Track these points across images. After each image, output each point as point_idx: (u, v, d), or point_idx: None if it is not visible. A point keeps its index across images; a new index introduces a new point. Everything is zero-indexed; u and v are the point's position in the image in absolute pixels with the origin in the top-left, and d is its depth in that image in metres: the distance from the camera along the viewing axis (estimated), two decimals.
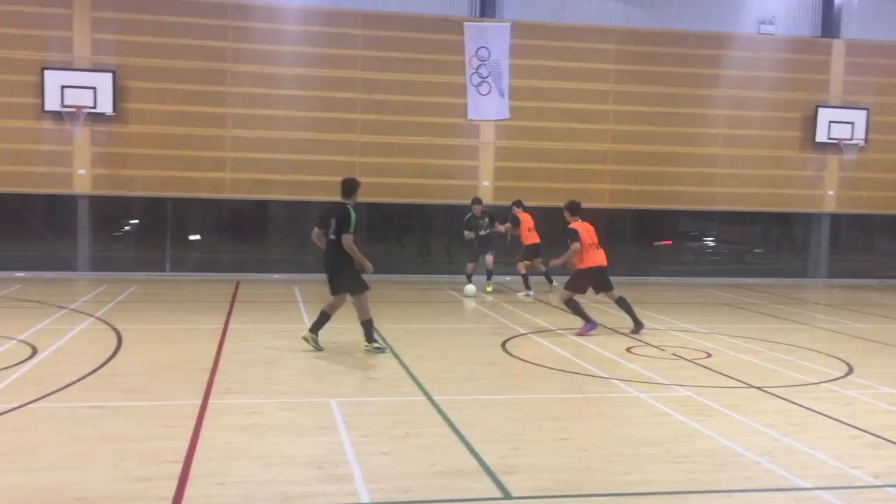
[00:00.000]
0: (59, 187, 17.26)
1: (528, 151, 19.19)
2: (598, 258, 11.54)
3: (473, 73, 18.70)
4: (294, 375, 8.53)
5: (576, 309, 11.55)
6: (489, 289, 16.25)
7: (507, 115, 18.94)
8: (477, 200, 16.38)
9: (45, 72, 16.65)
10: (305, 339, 9.94)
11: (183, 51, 17.54)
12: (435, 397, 7.68)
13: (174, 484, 5.26)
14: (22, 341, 9.73)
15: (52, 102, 16.67)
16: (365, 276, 9.86)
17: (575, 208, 11.84)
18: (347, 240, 9.49)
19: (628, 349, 10.42)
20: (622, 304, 11.73)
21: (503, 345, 10.55)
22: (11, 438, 6.10)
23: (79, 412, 6.85)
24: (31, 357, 8.90)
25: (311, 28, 18.19)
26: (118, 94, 17.05)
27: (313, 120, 18.18)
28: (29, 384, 7.69)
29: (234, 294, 14.84)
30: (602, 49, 19.42)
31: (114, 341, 10.01)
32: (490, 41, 18.70)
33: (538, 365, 9.34)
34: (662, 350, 10.38)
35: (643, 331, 11.65)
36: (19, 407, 6.90)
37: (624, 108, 19.57)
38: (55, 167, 17.16)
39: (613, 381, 8.63)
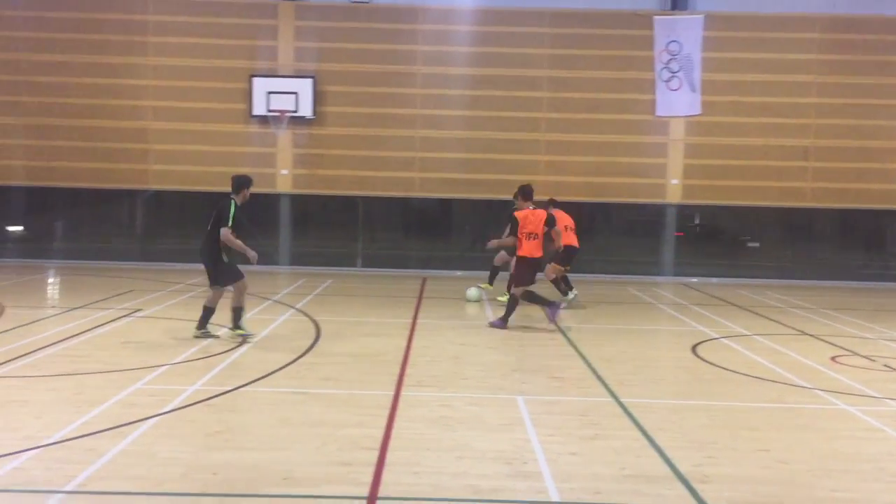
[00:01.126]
0: (263, 187, 18.47)
1: (721, 148, 18.39)
2: (537, 249, 11.14)
3: (663, 69, 18.15)
4: (481, 371, 8.66)
5: (531, 299, 11.29)
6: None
7: (699, 111, 18.23)
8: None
9: (253, 79, 17.89)
10: (197, 337, 9.86)
11: (376, 55, 18.26)
12: (623, 400, 7.54)
13: (371, 470, 5.49)
14: (233, 329, 10.50)
15: (258, 107, 17.89)
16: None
17: (528, 194, 11.49)
18: (225, 233, 9.58)
19: (833, 358, 9.74)
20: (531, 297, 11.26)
21: (693, 348, 10.18)
22: (226, 419, 6.61)
23: (283, 397, 7.31)
24: (241, 344, 9.59)
25: (498, 28, 18.36)
26: (317, 98, 18.03)
27: (498, 119, 18.35)
28: (240, 369, 8.30)
29: (421, 290, 15.27)
30: (804, 38, 18.25)
31: (312, 332, 10.59)
32: (681, 34, 18.07)
33: (732, 371, 8.93)
34: (873, 361, 9.62)
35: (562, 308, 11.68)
36: (232, 390, 7.46)
37: (828, 100, 18.29)
38: (260, 168, 18.37)
39: (817, 391, 8.10)
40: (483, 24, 18.41)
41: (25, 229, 19.05)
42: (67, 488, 5.00)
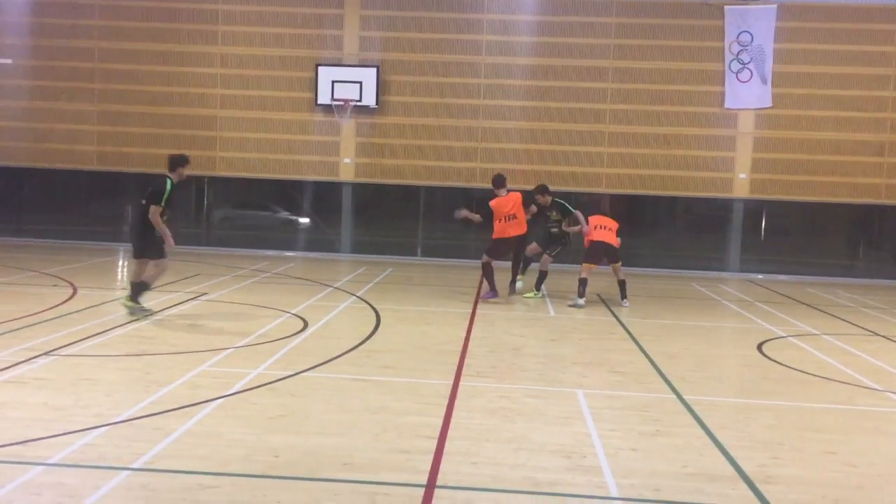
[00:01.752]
0: (326, 175, 18.68)
1: (792, 142, 17.90)
2: (513, 228, 12.65)
3: (733, 60, 17.73)
4: (540, 363, 8.61)
5: (488, 274, 12.65)
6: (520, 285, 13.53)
7: (770, 104, 17.77)
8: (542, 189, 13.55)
9: (319, 68, 18.08)
10: (129, 307, 10.06)
11: (440, 45, 18.26)
12: (686, 396, 7.41)
13: (430, 458, 5.51)
14: (295, 315, 10.66)
15: (323, 96, 18.07)
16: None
17: (499, 182, 13.02)
18: (154, 211, 9.85)
19: None
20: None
21: (759, 346, 9.95)
22: (287, 403, 6.71)
23: (344, 384, 7.39)
24: (302, 330, 9.73)
25: (563, 18, 18.15)
26: (381, 87, 18.12)
27: (562, 110, 18.17)
28: (301, 354, 8.41)
29: (480, 281, 15.25)
30: (880, 30, 17.63)
31: (373, 320, 10.67)
32: (753, 25, 17.62)
33: (800, 371, 8.70)
34: None
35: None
36: (294, 375, 7.57)
37: None
38: (323, 156, 18.59)
39: (889, 394, 7.84)
40: (548, 14, 18.24)
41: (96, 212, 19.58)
42: (135, 465, 5.13)
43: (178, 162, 10.25)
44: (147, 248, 10.25)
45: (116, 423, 5.97)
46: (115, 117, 18.68)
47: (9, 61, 18.79)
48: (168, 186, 10.04)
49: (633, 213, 19.09)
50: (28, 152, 18.76)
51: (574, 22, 18.13)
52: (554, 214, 13.39)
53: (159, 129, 18.60)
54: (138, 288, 10.20)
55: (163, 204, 9.99)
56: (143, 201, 10.11)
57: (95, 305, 10.75)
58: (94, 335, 8.87)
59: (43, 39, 18.65)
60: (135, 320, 9.82)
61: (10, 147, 18.83)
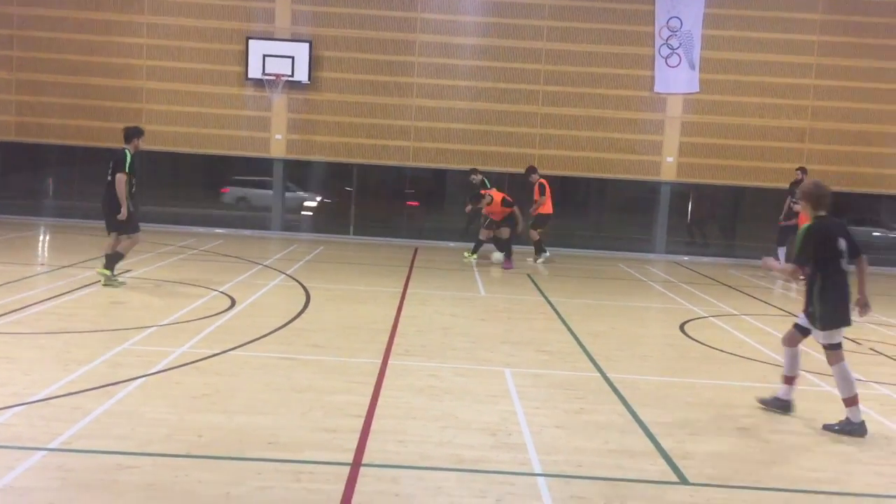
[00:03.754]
0: (257, 151, 18.37)
1: (719, 127, 18.33)
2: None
3: (663, 45, 18.02)
4: (469, 343, 8.68)
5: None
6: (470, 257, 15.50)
7: (697, 89, 18.14)
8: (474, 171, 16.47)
9: (250, 41, 17.69)
10: (104, 276, 10.39)
11: (374, 21, 18.07)
12: (610, 375, 7.58)
13: (356, 437, 5.52)
14: (223, 293, 10.50)
15: (254, 70, 17.71)
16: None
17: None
18: (120, 178, 10.17)
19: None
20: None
21: (682, 326, 10.23)
22: (213, 381, 6.62)
23: (271, 362, 7.32)
24: (230, 308, 9.59)
25: None
26: (313, 63, 17.86)
27: (495, 90, 18.23)
28: (229, 333, 8.30)
29: (413, 260, 15.25)
30: (806, 19, 18.14)
31: (303, 298, 10.58)
32: (683, 11, 17.92)
33: (719, 350, 8.98)
34: (859, 343, 9.68)
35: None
36: (220, 353, 7.47)
37: (827, 82, 18.23)
38: (254, 131, 18.25)
39: (802, 373, 8.15)
40: None
41: (17, 186, 18.89)
42: (52, 445, 5.00)
43: (133, 133, 10.53)
44: (119, 223, 10.39)
45: (33, 402, 5.80)
46: (34, 87, 17.99)
47: None
48: (128, 157, 10.32)
49: (565, 194, 19.32)
50: None
51: (509, 3, 18.15)
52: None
53: (82, 99, 17.98)
54: (112, 259, 10.46)
55: (127, 171, 10.26)
56: (109, 176, 10.35)
57: (14, 281, 10.39)
58: (10, 312, 8.58)
59: None
60: (53, 297, 9.53)
61: None
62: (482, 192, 15.20)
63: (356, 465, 5.05)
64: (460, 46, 18.21)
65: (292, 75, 17.71)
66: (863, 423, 6.25)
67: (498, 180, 17.48)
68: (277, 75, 17.67)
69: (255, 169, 18.81)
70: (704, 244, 19.44)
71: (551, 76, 18.26)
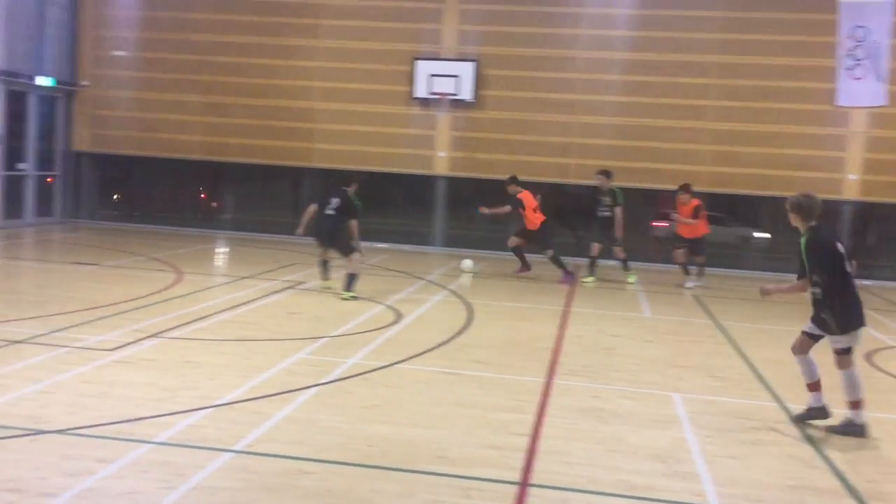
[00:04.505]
0: (421, 168, 18.81)
1: None
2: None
3: (846, 56, 16.95)
4: (635, 364, 8.45)
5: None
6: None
7: (885, 102, 16.92)
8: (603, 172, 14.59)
9: (417, 62, 18.20)
10: (348, 298, 10.94)
11: (538, 39, 18.11)
12: (790, 406, 7.15)
13: (522, 456, 5.48)
14: (389, 307, 10.78)
15: (420, 90, 18.20)
16: None
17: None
18: (354, 225, 11.39)
19: None
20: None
21: (868, 356, 9.50)
22: (382, 393, 6.80)
23: (436, 377, 7.42)
24: (396, 322, 9.82)
25: (665, 11, 17.76)
26: (478, 81, 18.11)
27: (661, 106, 17.78)
28: (395, 346, 8.50)
29: (575, 278, 15.07)
30: None
31: (465, 314, 10.69)
32: (869, 20, 16.80)
33: None
34: None
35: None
36: (388, 366, 7.65)
37: None
38: (418, 149, 18.71)
39: None
40: (649, 7, 17.86)
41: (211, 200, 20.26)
42: (236, 448, 5.29)
43: (356, 177, 12.13)
44: (348, 245, 11.44)
45: (219, 405, 6.16)
46: (218, 109, 19.27)
47: (123, 53, 19.62)
48: (357, 201, 11.59)
49: (733, 213, 18.54)
50: (137, 141, 19.52)
51: (676, 16, 17.68)
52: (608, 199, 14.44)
53: (259, 120, 19.07)
54: (352, 279, 11.23)
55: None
56: (331, 211, 11.33)
57: (199, 291, 11.13)
58: (197, 319, 9.18)
59: (154, 33, 19.39)
60: (235, 306, 10.12)
61: (120, 136, 19.64)
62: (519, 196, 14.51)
63: (524, 484, 5.01)
64: (622, 62, 17.92)
65: (457, 94, 18.04)
66: (865, 425, 6.29)
67: (658, 198, 16.99)
68: (443, 94, 18.06)
69: (418, 186, 19.20)
70: (890, 266, 18.03)
71: (722, 91, 17.59)
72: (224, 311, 9.82)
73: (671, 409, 6.84)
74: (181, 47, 19.23)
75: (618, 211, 14.33)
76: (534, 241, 14.65)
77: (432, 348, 8.52)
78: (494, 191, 19.20)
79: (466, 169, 18.65)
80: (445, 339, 9.00)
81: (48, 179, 19.63)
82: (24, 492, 4.42)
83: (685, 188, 14.47)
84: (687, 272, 14.57)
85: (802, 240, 6.49)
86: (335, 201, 11.38)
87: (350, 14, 18.74)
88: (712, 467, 5.50)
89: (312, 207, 11.59)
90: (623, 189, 18.11)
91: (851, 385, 6.34)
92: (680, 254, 14.58)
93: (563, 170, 18.29)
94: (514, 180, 14.71)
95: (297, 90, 18.96)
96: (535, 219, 14.46)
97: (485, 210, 14.78)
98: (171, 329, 8.58)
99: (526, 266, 14.72)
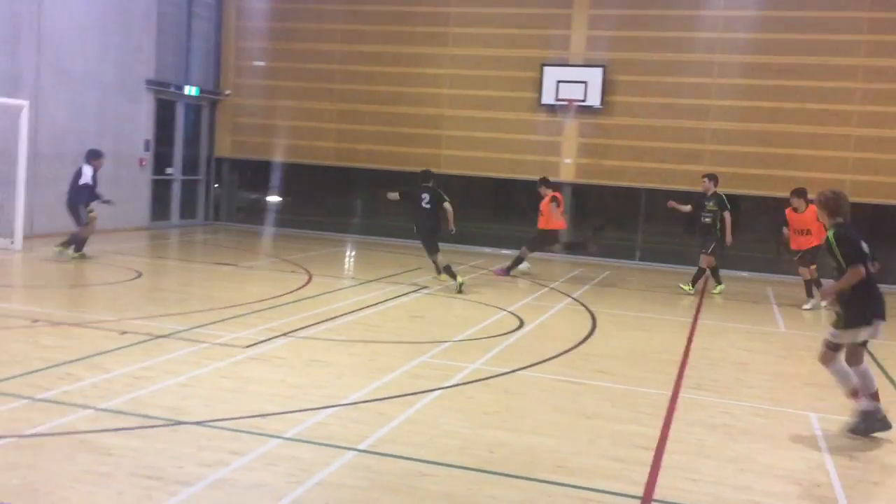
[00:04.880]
0: (547, 174, 18.67)
1: None
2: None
3: None
4: (768, 381, 8.10)
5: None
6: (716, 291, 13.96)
7: None
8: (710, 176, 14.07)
9: (545, 68, 18.14)
10: (460, 285, 12.04)
11: (670, 43, 17.68)
12: None
13: (646, 470, 5.35)
14: (511, 313, 10.77)
15: (547, 96, 18.12)
16: None
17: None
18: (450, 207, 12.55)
19: None
20: None
21: None
22: (503, 399, 6.79)
23: (558, 385, 7.35)
24: (518, 328, 9.81)
25: (807, 13, 16.95)
26: (606, 87, 17.86)
27: (801, 112, 16.96)
28: (517, 352, 8.48)
29: (703, 288, 14.59)
30: None
31: (589, 322, 10.54)
32: None
33: None
34: None
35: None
36: (509, 372, 7.65)
37: None
38: (544, 156, 18.61)
39: None
40: (790, 9, 17.10)
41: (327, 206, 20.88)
42: (360, 447, 5.41)
43: (431, 175, 13.12)
44: (435, 246, 12.70)
45: (345, 404, 6.33)
46: (351, 116, 19.81)
47: (261, 63, 20.51)
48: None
49: (884, 223, 17.45)
50: (273, 148, 20.34)
51: (819, 17, 16.85)
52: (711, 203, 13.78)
53: (388, 126, 19.49)
54: (450, 269, 12.35)
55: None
56: (427, 205, 12.46)
57: (328, 292, 11.48)
58: (326, 320, 9.47)
59: (291, 43, 20.16)
60: (362, 308, 10.37)
61: (258, 142, 20.53)
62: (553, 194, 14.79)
63: (647, 499, 4.89)
64: (762, 66, 17.22)
65: (584, 100, 17.85)
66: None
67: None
68: (570, 100, 17.91)
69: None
70: None
71: (869, 95, 16.63)
72: (351, 312, 10.08)
73: (808, 430, 6.51)
74: (315, 57, 19.92)
75: (725, 216, 13.64)
76: (536, 240, 14.91)
77: (555, 356, 8.45)
78: (621, 198, 18.90)
79: (593, 176, 18.42)
80: (568, 348, 8.90)
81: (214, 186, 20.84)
82: (163, 479, 4.68)
83: (799, 193, 12.90)
84: (810, 292, 12.87)
85: (829, 233, 6.55)
86: (426, 196, 12.49)
87: (479, 22, 18.89)
88: (853, 493, 5.20)
89: (393, 196, 12.87)
90: (760, 199, 17.40)
91: (841, 378, 6.52)
92: (806, 270, 12.88)
93: (693, 178, 17.74)
94: (544, 182, 15.01)
95: (425, 97, 19.26)
96: (546, 221, 14.68)
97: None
98: (300, 329, 8.88)
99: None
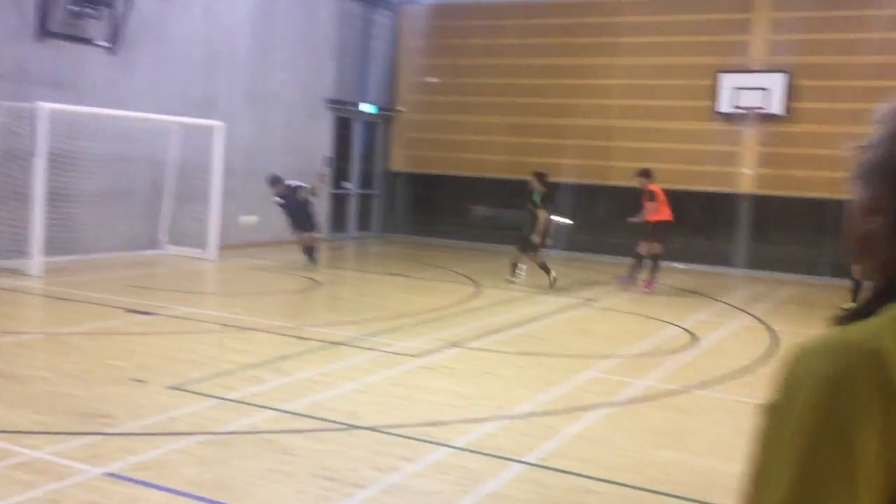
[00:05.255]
0: (723, 186, 17.97)
1: None
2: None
3: None
4: None
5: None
6: None
7: None
8: None
9: (721, 75, 17.45)
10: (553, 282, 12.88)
11: (857, 46, 16.53)
12: None
13: None
14: (685, 329, 10.41)
15: (724, 104, 17.42)
16: None
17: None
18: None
19: None
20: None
21: None
22: (676, 418, 6.58)
23: (737, 406, 7.00)
24: (691, 345, 9.46)
25: None
26: (790, 93, 16.94)
27: None
28: (690, 370, 8.18)
29: None
30: None
31: (768, 341, 10.00)
32: None
33: None
34: None
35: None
36: (682, 391, 7.38)
37: None
38: (721, 166, 17.90)
39: None
40: None
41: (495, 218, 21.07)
42: (528, 460, 5.40)
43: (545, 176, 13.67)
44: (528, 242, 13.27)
45: (513, 416, 6.35)
46: (519, 129, 19.92)
47: (433, 80, 21.05)
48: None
49: None
50: (445, 161, 20.80)
51: None
52: None
53: (557, 139, 19.42)
54: (546, 267, 13.13)
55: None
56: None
57: (496, 304, 11.57)
58: (494, 332, 9.55)
59: (462, 59, 20.57)
60: (530, 321, 10.37)
61: (430, 157, 21.05)
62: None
63: None
64: None
65: (765, 108, 17.02)
66: None
67: None
68: (749, 108, 17.13)
69: (720, 204, 18.35)
70: None
71: None
72: (520, 324, 10.10)
73: None
74: (486, 71, 20.19)
75: None
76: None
77: (732, 375, 8.07)
78: (807, 209, 17.82)
79: (775, 187, 17.50)
80: (746, 367, 8.48)
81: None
82: (338, 480, 4.88)
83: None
84: None
85: None
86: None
87: (651, 31, 18.47)
88: None
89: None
90: None
91: None
92: None
93: None
94: (644, 174, 14.16)
95: (595, 109, 19.05)
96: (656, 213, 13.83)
97: None
98: (469, 339, 9.00)
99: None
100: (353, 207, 20.77)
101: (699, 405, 7.01)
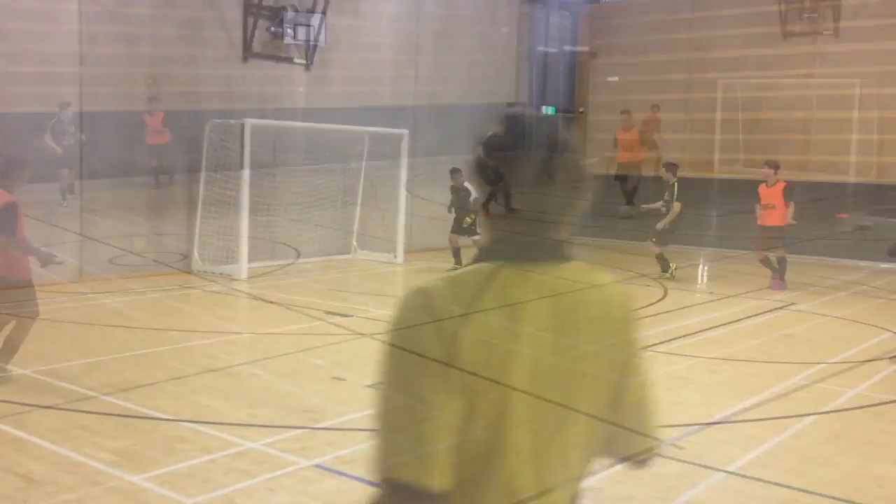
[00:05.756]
0: None
1: None
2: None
3: None
4: None
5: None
6: None
7: None
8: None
9: None
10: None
11: None
12: None
13: None
14: (894, 332, 9.63)
15: None
16: None
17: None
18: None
19: None
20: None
21: None
22: (889, 429, 6.11)
23: None
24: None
25: None
26: None
27: None
28: None
29: None
30: None
31: None
32: None
33: None
34: None
35: None
36: None
37: None
38: None
39: None
40: None
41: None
42: (729, 468, 5.20)
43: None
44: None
45: (710, 423, 6.14)
46: (705, 125, 19.17)
47: (615, 79, 20.69)
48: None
49: None
50: (628, 161, 20.33)
51: None
52: None
53: (746, 134, 18.51)
54: (664, 261, 13.32)
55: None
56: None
57: (684, 307, 11.22)
58: (684, 336, 9.25)
59: (641, 56, 20.05)
60: (721, 325, 9.97)
61: (613, 157, 20.67)
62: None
63: None
64: None
65: None
66: None
67: None
68: None
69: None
70: None
71: None
72: (710, 329, 9.73)
73: None
74: (667, 68, 19.62)
75: None
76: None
77: None
78: None
79: None
80: None
81: None
82: None
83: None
84: None
85: None
86: None
87: (869, 14, 17.15)
88: None
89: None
90: None
91: None
92: None
93: None
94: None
95: (789, 101, 18.02)
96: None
97: None
98: (659, 343, 8.76)
99: None
100: None
101: None
